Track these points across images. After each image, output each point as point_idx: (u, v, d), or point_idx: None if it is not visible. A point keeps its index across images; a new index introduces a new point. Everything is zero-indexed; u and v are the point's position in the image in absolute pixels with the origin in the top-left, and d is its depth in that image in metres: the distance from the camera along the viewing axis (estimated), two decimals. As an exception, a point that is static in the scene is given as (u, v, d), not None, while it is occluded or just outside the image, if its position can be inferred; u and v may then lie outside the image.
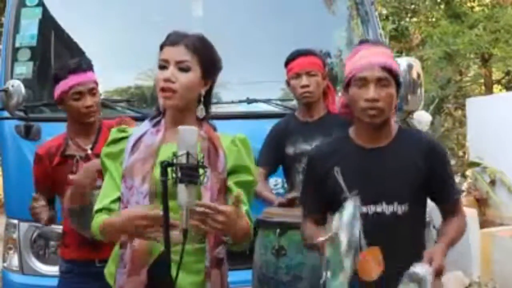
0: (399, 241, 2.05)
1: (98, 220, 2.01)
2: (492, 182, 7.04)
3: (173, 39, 2.04)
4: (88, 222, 2.19)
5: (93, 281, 2.60)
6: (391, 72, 2.09)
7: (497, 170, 6.94)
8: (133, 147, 2.04)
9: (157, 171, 1.88)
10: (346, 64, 2.18)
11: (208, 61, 2.06)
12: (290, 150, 3.12)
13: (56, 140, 2.82)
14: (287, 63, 3.14)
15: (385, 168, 2.11)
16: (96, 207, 2.08)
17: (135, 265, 1.96)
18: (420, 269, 1.87)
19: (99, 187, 2.43)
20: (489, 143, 6.95)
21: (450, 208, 2.21)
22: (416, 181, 2.10)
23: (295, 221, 2.63)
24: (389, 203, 2.08)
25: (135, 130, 2.12)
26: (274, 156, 3.19)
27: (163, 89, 2.00)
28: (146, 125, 2.11)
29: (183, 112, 2.06)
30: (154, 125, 2.09)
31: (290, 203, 2.81)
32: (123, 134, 2.11)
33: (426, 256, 1.95)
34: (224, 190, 2.05)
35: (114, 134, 2.12)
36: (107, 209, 2.05)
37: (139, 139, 2.06)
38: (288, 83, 3.18)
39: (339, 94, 3.22)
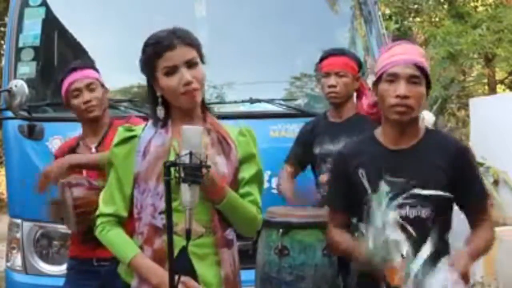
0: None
1: (122, 244, 2.04)
2: (496, 182, 7.00)
3: (168, 43, 1.99)
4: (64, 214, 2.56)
5: (92, 278, 2.65)
6: (423, 71, 2.05)
7: (500, 170, 6.91)
8: (145, 151, 2.04)
9: None
10: (378, 60, 2.15)
11: (199, 47, 2.06)
12: (316, 150, 3.13)
13: (71, 141, 2.89)
14: (320, 61, 3.17)
15: (408, 171, 2.05)
16: (103, 210, 2.09)
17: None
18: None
19: (97, 188, 2.47)
20: (492, 143, 6.92)
21: (475, 211, 2.11)
22: (439, 184, 2.03)
23: (298, 221, 2.63)
24: (412, 206, 2.04)
25: (142, 130, 2.10)
26: (300, 155, 3.22)
27: (186, 93, 1.98)
28: (152, 128, 2.09)
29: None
30: (162, 126, 2.08)
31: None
32: (131, 133, 2.10)
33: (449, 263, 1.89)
34: (236, 180, 2.08)
35: (122, 133, 2.12)
36: (116, 216, 2.07)
37: (149, 142, 2.05)
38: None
39: None
